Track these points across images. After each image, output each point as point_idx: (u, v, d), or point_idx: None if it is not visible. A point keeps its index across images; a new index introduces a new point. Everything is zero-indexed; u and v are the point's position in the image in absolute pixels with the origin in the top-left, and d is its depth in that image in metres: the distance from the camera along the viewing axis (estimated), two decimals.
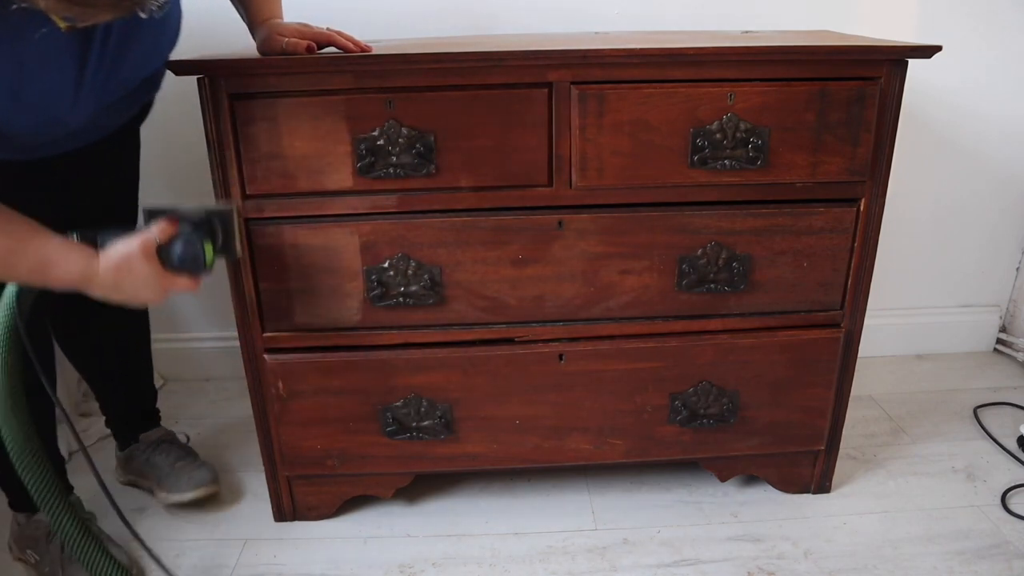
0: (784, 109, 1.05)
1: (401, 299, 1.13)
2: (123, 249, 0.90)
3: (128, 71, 0.94)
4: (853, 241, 1.15)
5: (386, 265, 1.11)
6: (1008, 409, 1.62)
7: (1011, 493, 1.35)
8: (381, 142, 1.03)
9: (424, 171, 1.05)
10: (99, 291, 0.91)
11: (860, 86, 1.05)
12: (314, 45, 1.02)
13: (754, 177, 1.09)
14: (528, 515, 1.32)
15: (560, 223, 1.10)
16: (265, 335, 1.15)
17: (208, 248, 0.96)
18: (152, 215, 0.96)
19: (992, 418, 1.58)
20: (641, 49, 1.02)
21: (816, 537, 1.26)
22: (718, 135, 1.06)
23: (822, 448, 1.30)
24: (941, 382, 1.75)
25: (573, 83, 1.03)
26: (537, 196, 1.09)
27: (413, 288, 1.12)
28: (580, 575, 1.19)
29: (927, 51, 1.03)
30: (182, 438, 1.45)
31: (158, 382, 1.76)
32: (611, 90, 1.03)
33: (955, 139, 1.67)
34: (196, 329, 1.78)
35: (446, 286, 1.13)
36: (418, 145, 1.04)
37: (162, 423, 1.45)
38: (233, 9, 1.11)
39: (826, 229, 1.13)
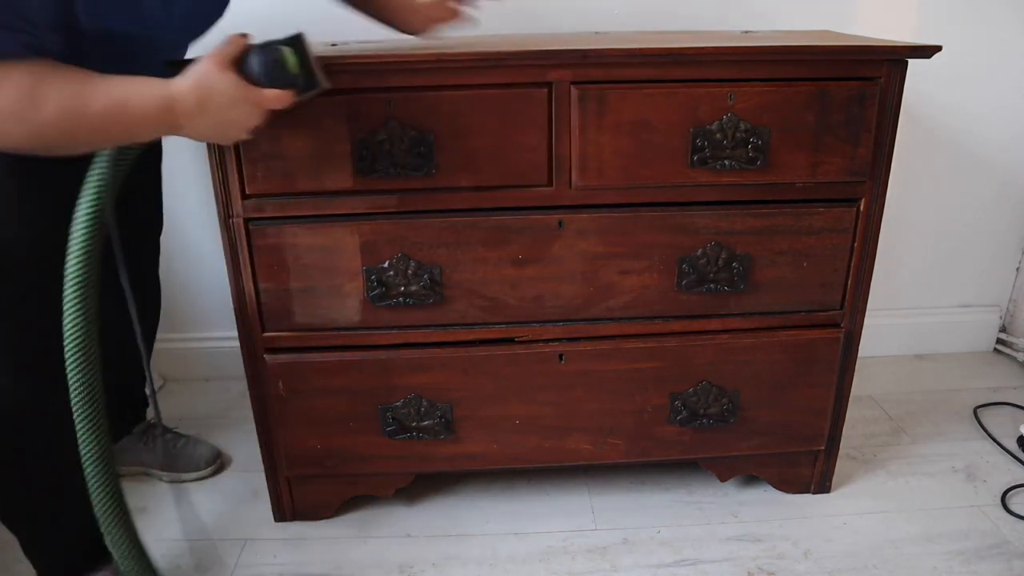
0: (784, 109, 1.05)
1: (401, 299, 1.13)
2: (197, 67, 0.82)
3: None
4: (853, 241, 1.15)
5: (386, 265, 1.11)
6: (1008, 409, 1.62)
7: (1011, 493, 1.35)
8: (381, 142, 1.03)
9: (424, 171, 1.05)
10: (186, 121, 0.82)
11: (860, 86, 1.05)
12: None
13: (754, 177, 1.09)
14: (528, 515, 1.32)
15: (560, 223, 1.10)
16: (265, 335, 1.15)
17: (289, 54, 0.85)
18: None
19: (992, 418, 1.58)
20: (641, 49, 1.02)
21: (816, 537, 1.26)
22: (718, 135, 1.06)
23: (822, 448, 1.30)
24: (941, 382, 1.75)
25: (573, 83, 1.02)
26: (537, 196, 1.09)
27: (413, 288, 1.12)
28: (580, 575, 1.19)
29: (927, 51, 1.03)
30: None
31: (158, 382, 1.77)
32: (611, 90, 1.03)
33: (955, 139, 1.67)
34: (196, 329, 1.78)
35: (446, 286, 1.13)
36: (418, 145, 1.04)
37: (163, 423, 1.46)
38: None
39: (826, 229, 1.13)
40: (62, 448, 0.98)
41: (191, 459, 1.42)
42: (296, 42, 0.87)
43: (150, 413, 1.46)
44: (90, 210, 0.86)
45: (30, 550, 1.03)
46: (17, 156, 0.78)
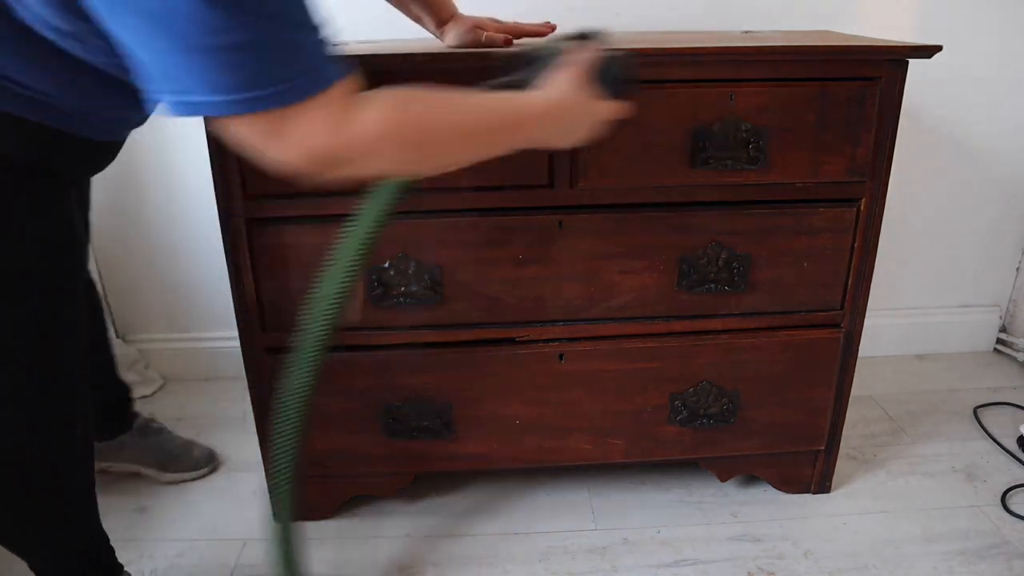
0: (784, 109, 1.05)
1: (401, 299, 1.13)
2: (567, 80, 0.80)
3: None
4: (853, 241, 1.15)
5: (386, 265, 1.11)
6: (1008, 409, 1.62)
7: (1011, 493, 1.35)
8: None
9: None
10: (556, 129, 0.82)
11: (860, 86, 1.05)
12: (510, 38, 1.05)
13: (754, 177, 1.09)
14: (528, 515, 1.32)
15: (560, 223, 1.10)
16: (265, 335, 1.15)
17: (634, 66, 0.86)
18: (510, 60, 0.87)
19: (992, 418, 1.58)
20: (641, 49, 1.02)
21: (816, 537, 1.26)
22: (719, 135, 1.06)
23: (822, 448, 1.30)
24: (941, 382, 1.75)
25: None
26: (538, 196, 1.09)
27: (413, 288, 1.12)
28: (580, 575, 1.19)
29: (927, 51, 1.03)
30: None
31: (158, 382, 1.77)
32: None
33: (955, 139, 1.67)
34: (196, 329, 1.77)
35: (446, 286, 1.13)
36: None
37: (164, 423, 1.46)
38: None
39: (826, 229, 1.13)
40: (70, 473, 0.98)
41: (189, 458, 1.42)
42: (604, 38, 0.88)
43: (145, 412, 1.47)
44: (361, 246, 0.83)
45: (37, 572, 1.03)
46: (20, 176, 0.78)
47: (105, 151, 0.91)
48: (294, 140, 0.65)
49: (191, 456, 1.42)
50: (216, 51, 0.59)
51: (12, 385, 0.87)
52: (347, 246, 0.82)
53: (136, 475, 1.41)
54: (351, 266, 0.82)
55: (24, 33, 0.70)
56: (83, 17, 0.66)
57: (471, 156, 0.78)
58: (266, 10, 0.60)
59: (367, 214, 0.82)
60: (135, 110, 0.86)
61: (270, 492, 0.97)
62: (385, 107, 0.68)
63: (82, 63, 0.74)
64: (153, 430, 1.42)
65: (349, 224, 0.82)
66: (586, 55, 0.83)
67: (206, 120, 1.00)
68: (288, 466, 0.95)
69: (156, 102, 0.68)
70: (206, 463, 1.43)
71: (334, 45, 0.67)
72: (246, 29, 0.59)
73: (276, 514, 0.99)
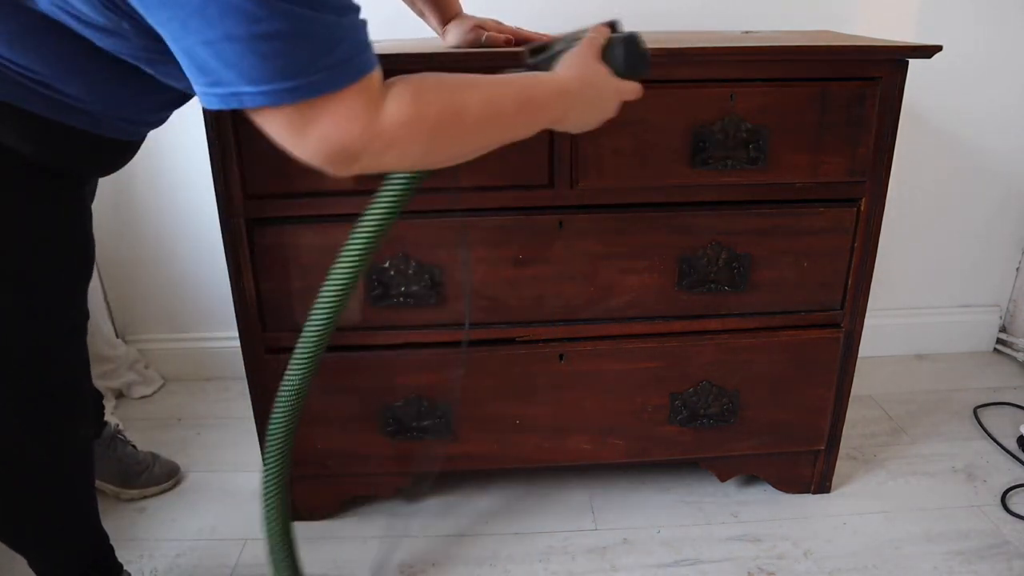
0: (785, 109, 1.05)
1: (401, 299, 1.13)
2: (581, 60, 0.81)
3: None
4: (853, 241, 1.15)
5: (386, 265, 1.11)
6: (1008, 409, 1.62)
7: (1011, 493, 1.35)
8: None
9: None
10: (571, 111, 0.81)
11: (860, 86, 1.05)
12: (512, 39, 1.06)
13: (755, 177, 1.09)
14: (528, 515, 1.32)
15: (560, 223, 1.10)
16: (265, 335, 1.15)
17: (645, 45, 0.86)
18: (533, 53, 0.88)
19: (992, 418, 1.58)
20: None
21: (816, 537, 1.26)
22: (719, 135, 1.06)
23: (822, 448, 1.30)
24: (941, 382, 1.75)
25: None
26: (538, 196, 1.09)
27: (413, 288, 1.12)
28: (580, 575, 1.19)
29: (927, 51, 1.03)
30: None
31: (158, 382, 1.77)
32: None
33: (955, 139, 1.67)
34: (196, 329, 1.77)
35: (446, 286, 1.13)
36: None
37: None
38: None
39: (826, 229, 1.13)
40: (72, 473, 0.98)
41: (151, 473, 1.38)
42: (620, 25, 0.88)
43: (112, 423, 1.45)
44: (369, 240, 0.83)
45: (38, 571, 1.03)
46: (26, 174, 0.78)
47: (122, 151, 0.91)
48: (320, 134, 0.64)
49: (152, 472, 1.38)
50: (251, 40, 0.58)
51: (19, 385, 0.87)
52: (358, 239, 0.82)
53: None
54: (361, 259, 0.82)
55: (45, 26, 0.69)
56: (115, 9, 0.65)
57: (491, 141, 0.77)
58: None
59: (379, 207, 0.82)
60: (156, 108, 0.86)
61: (263, 493, 0.97)
62: (405, 98, 0.67)
63: (107, 59, 0.74)
64: (120, 442, 1.38)
65: (361, 217, 0.82)
66: (597, 36, 0.83)
67: (206, 120, 1.01)
68: (281, 466, 0.95)
69: (179, 99, 0.68)
70: (167, 478, 1.40)
71: (367, 31, 0.66)
72: (282, 17, 0.58)
73: (270, 514, 0.99)
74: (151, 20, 0.62)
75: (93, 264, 0.94)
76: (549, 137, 1.05)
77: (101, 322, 1.65)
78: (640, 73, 0.86)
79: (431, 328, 1.15)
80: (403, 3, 1.19)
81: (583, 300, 1.15)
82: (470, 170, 1.06)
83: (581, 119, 0.84)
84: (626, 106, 1.02)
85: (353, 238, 0.82)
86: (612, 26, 0.87)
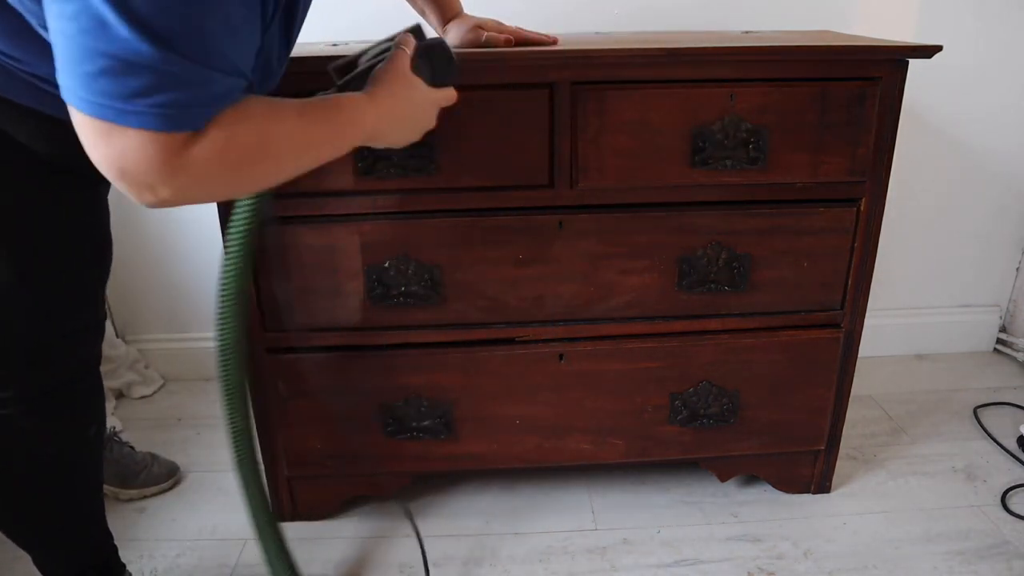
0: (785, 109, 1.05)
1: (401, 299, 1.13)
2: (391, 76, 0.81)
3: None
4: (853, 241, 1.15)
5: (386, 265, 1.11)
6: (1008, 409, 1.62)
7: (1011, 493, 1.35)
8: None
9: (425, 171, 1.05)
10: (388, 128, 0.83)
11: (860, 86, 1.05)
12: (512, 39, 1.06)
13: (755, 177, 1.09)
14: (528, 515, 1.32)
15: (560, 223, 1.10)
16: (265, 335, 1.15)
17: (453, 52, 0.88)
18: (340, 70, 0.88)
19: (992, 418, 1.58)
20: (642, 49, 1.02)
21: (816, 537, 1.26)
22: (719, 135, 1.06)
23: (822, 448, 1.30)
24: (941, 382, 1.75)
25: (574, 83, 1.02)
26: (538, 196, 1.09)
27: (413, 288, 1.12)
28: (580, 575, 1.19)
29: (927, 51, 1.03)
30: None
31: (158, 382, 1.77)
32: (612, 90, 1.03)
33: (955, 139, 1.67)
34: (196, 329, 1.77)
35: (446, 286, 1.13)
36: (419, 146, 1.03)
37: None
38: None
39: (826, 229, 1.13)
40: (82, 473, 0.98)
41: (150, 472, 1.38)
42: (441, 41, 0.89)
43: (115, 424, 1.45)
44: (239, 248, 0.87)
45: (42, 567, 1.03)
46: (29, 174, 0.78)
47: None
48: (115, 153, 0.61)
49: (151, 471, 1.39)
50: (95, 53, 0.57)
51: (32, 384, 0.88)
52: (227, 263, 0.87)
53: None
54: (232, 279, 0.87)
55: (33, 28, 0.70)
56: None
57: (302, 165, 0.76)
58: (175, 37, 0.57)
59: (235, 231, 0.86)
60: None
61: (242, 492, 1.01)
62: (212, 139, 0.64)
63: None
64: (116, 443, 1.39)
65: (226, 243, 0.87)
66: (405, 48, 0.84)
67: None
68: (248, 464, 1.00)
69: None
70: (166, 477, 1.40)
71: (229, 87, 0.65)
72: (144, 50, 0.56)
73: (255, 513, 1.01)
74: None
75: (110, 264, 0.94)
76: (549, 137, 1.05)
77: None
78: (451, 80, 0.88)
79: (431, 328, 1.16)
80: (403, 3, 1.19)
81: (583, 300, 1.15)
82: (470, 170, 1.06)
83: (398, 134, 0.85)
84: (626, 106, 1.04)
85: (223, 267, 0.88)
86: (416, 33, 0.88)
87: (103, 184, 0.89)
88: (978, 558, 1.20)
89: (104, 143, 0.61)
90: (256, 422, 1.21)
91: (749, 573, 1.19)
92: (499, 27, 1.10)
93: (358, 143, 0.81)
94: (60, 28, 0.57)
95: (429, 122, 0.88)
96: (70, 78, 0.59)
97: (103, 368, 1.63)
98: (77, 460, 0.96)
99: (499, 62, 1.01)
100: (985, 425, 1.56)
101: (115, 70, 0.57)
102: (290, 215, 1.08)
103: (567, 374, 1.19)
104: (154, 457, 1.41)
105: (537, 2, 1.50)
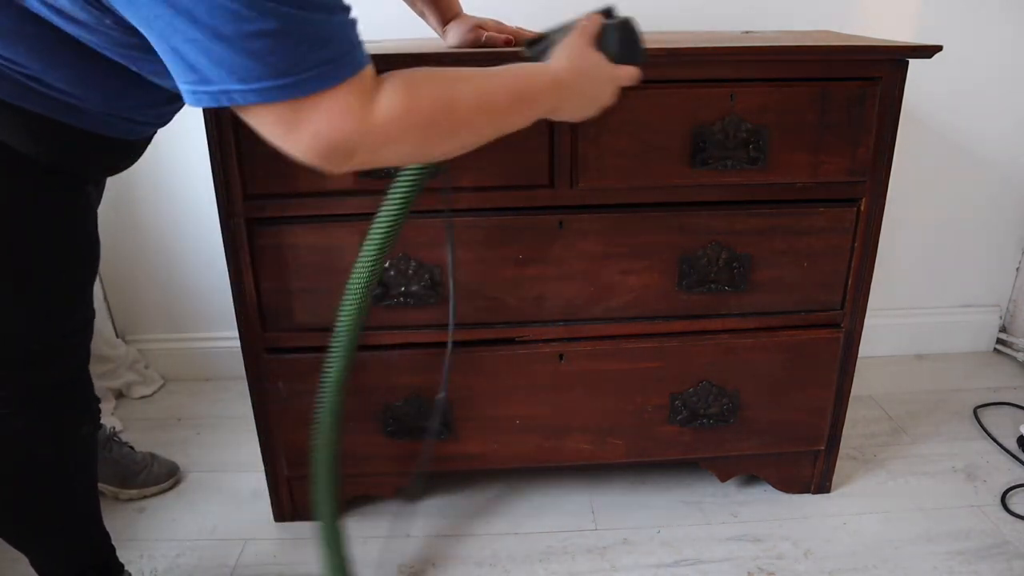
0: (785, 109, 1.05)
1: (401, 299, 1.13)
2: (574, 48, 0.81)
3: None
4: (853, 241, 1.15)
5: (386, 265, 1.11)
6: (1008, 409, 1.62)
7: (1011, 493, 1.35)
8: None
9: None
10: (566, 100, 0.81)
11: (860, 86, 1.05)
12: (512, 39, 1.06)
13: (755, 177, 1.09)
14: (528, 515, 1.32)
15: (561, 223, 1.10)
16: (265, 335, 1.15)
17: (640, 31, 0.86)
18: (530, 45, 0.88)
19: (992, 418, 1.58)
20: None
21: (816, 537, 1.26)
22: (719, 135, 1.06)
23: (822, 448, 1.30)
24: (941, 382, 1.75)
25: None
26: (538, 196, 1.09)
27: (413, 288, 1.12)
28: (580, 575, 1.19)
29: (927, 51, 1.03)
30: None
31: (158, 382, 1.77)
32: None
33: (955, 139, 1.67)
34: (196, 329, 1.78)
35: (446, 286, 1.13)
36: None
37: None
38: None
39: (826, 229, 1.13)
40: (76, 472, 0.98)
41: (150, 472, 1.38)
42: (616, 11, 0.88)
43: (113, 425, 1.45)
44: (388, 229, 0.87)
45: (40, 569, 1.03)
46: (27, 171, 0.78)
47: (127, 151, 0.90)
48: (313, 130, 0.64)
49: (151, 471, 1.38)
50: (240, 39, 0.58)
51: (25, 384, 0.88)
52: (376, 232, 0.85)
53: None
54: (380, 253, 0.86)
55: (40, 26, 0.69)
56: (101, 7, 0.65)
57: (485, 134, 0.77)
58: None
59: (393, 200, 0.84)
60: (152, 105, 0.85)
61: (314, 493, 1.00)
62: (398, 93, 0.67)
63: (94, 56, 0.73)
64: (116, 443, 1.38)
65: (378, 213, 0.85)
66: (591, 24, 0.83)
67: (207, 120, 1.01)
68: (329, 463, 0.98)
69: (175, 97, 0.67)
70: (166, 477, 1.40)
71: (358, 28, 0.67)
72: (271, 16, 0.58)
73: (322, 515, 1.01)
74: (134, 19, 0.62)
75: (98, 263, 0.94)
76: (549, 137, 1.05)
77: (101, 322, 1.64)
78: (636, 58, 0.86)
79: (431, 328, 1.15)
80: (403, 3, 1.19)
81: (583, 300, 1.15)
82: (470, 170, 1.06)
83: (577, 108, 0.84)
84: (626, 106, 1.03)
85: (371, 234, 0.86)
86: (607, 12, 0.87)
87: (91, 183, 0.90)
88: (978, 558, 1.20)
89: (297, 129, 0.63)
90: (256, 422, 1.21)
91: (749, 573, 1.19)
92: (499, 27, 1.10)
93: (540, 114, 0.80)
94: (191, 35, 0.58)
95: (607, 99, 0.85)
96: (229, 79, 0.60)
97: (103, 368, 1.65)
98: (71, 459, 0.96)
99: (499, 62, 1.01)
100: (985, 425, 1.56)
101: (268, 47, 0.59)
102: (290, 215, 1.08)
103: (567, 374, 1.19)
104: (154, 457, 1.41)
105: (537, 2, 1.50)
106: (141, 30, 0.62)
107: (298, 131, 0.64)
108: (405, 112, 0.67)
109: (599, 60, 0.83)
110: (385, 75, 0.68)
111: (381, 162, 0.72)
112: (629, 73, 0.85)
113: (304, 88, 0.62)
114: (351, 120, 0.64)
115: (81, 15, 0.67)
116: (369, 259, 0.87)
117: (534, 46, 0.88)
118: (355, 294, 0.88)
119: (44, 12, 0.68)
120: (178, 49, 0.61)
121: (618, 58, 0.84)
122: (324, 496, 1.01)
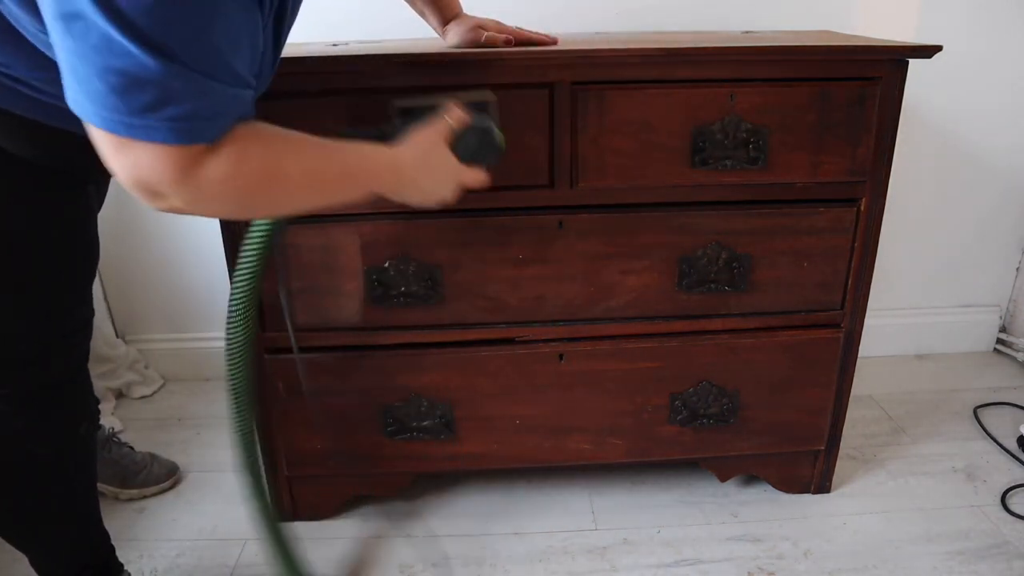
0: (785, 109, 1.05)
1: (401, 299, 1.13)
2: (423, 140, 0.83)
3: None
4: (853, 241, 1.15)
5: (386, 265, 1.11)
6: (1008, 409, 1.62)
7: (1011, 493, 1.35)
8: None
9: None
10: (403, 188, 0.83)
11: (860, 86, 1.05)
12: (511, 39, 1.06)
13: (755, 177, 1.09)
14: (528, 515, 1.32)
15: (560, 223, 1.10)
16: (265, 335, 1.15)
17: (502, 138, 0.88)
18: (406, 112, 0.88)
19: (992, 418, 1.58)
20: (642, 49, 1.02)
21: (816, 537, 1.26)
22: (719, 135, 1.06)
23: (822, 448, 1.30)
24: (941, 382, 1.75)
25: (574, 83, 1.02)
26: (538, 196, 1.09)
27: (413, 288, 1.12)
28: (580, 575, 1.19)
29: (927, 51, 1.03)
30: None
31: (158, 382, 1.77)
32: (612, 90, 1.03)
33: (955, 139, 1.67)
34: (196, 329, 1.77)
35: (446, 286, 1.13)
36: None
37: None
38: None
39: (826, 229, 1.13)
40: (75, 472, 0.98)
41: (150, 472, 1.38)
42: (491, 109, 0.90)
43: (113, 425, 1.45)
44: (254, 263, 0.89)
45: (39, 569, 1.03)
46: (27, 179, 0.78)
47: None
48: (131, 162, 0.63)
49: (150, 471, 1.38)
50: (108, 72, 0.57)
51: (24, 384, 0.88)
52: (239, 280, 0.89)
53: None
54: (246, 294, 0.90)
55: (20, 35, 0.70)
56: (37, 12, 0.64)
57: (312, 205, 0.77)
58: (179, 50, 0.58)
59: (250, 250, 0.87)
60: None
61: (248, 493, 1.02)
62: (226, 161, 0.66)
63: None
64: (116, 444, 1.38)
65: (240, 260, 0.88)
66: (454, 119, 0.85)
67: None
68: (252, 464, 1.00)
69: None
70: (166, 477, 1.40)
71: (242, 97, 0.66)
72: (143, 61, 0.57)
73: (260, 513, 1.02)
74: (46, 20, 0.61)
75: (97, 263, 0.95)
76: (549, 137, 1.05)
77: (101, 322, 1.65)
78: (487, 163, 0.88)
79: (431, 328, 1.16)
80: (403, 3, 1.20)
81: (583, 300, 1.15)
82: None
83: (414, 196, 0.85)
84: (626, 106, 1.04)
85: (233, 286, 0.90)
86: (481, 106, 0.88)
87: (90, 183, 0.90)
88: (978, 558, 1.20)
89: (119, 155, 0.63)
90: (256, 422, 1.21)
91: (749, 573, 1.19)
92: (499, 27, 1.10)
93: (374, 193, 0.81)
94: (68, 46, 0.58)
95: (447, 195, 0.87)
96: (82, 94, 0.60)
97: (103, 368, 1.65)
98: (70, 459, 0.97)
99: (499, 62, 1.01)
100: (985, 425, 1.56)
101: (124, 86, 0.58)
102: None
103: (567, 374, 1.19)
104: (154, 457, 1.41)
105: (537, 2, 1.50)
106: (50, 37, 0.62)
107: (120, 158, 0.63)
108: (226, 178, 0.66)
109: (446, 159, 0.84)
110: (225, 137, 0.66)
111: (200, 214, 0.72)
112: (475, 177, 0.88)
113: (131, 133, 0.61)
114: (165, 173, 0.63)
115: (41, 29, 0.67)
116: (238, 305, 0.91)
117: (407, 108, 0.88)
118: (231, 339, 0.94)
119: (20, 27, 0.69)
120: (60, 55, 0.60)
121: (468, 160, 0.86)
122: (255, 490, 1.04)
